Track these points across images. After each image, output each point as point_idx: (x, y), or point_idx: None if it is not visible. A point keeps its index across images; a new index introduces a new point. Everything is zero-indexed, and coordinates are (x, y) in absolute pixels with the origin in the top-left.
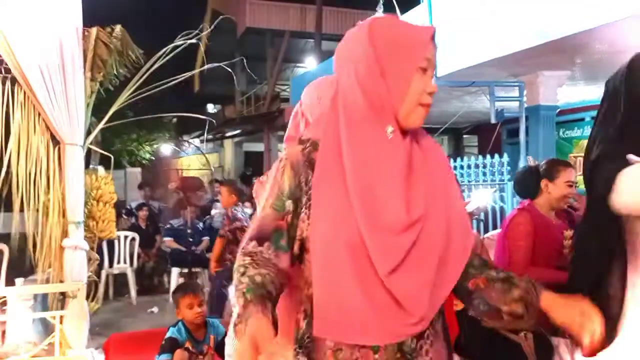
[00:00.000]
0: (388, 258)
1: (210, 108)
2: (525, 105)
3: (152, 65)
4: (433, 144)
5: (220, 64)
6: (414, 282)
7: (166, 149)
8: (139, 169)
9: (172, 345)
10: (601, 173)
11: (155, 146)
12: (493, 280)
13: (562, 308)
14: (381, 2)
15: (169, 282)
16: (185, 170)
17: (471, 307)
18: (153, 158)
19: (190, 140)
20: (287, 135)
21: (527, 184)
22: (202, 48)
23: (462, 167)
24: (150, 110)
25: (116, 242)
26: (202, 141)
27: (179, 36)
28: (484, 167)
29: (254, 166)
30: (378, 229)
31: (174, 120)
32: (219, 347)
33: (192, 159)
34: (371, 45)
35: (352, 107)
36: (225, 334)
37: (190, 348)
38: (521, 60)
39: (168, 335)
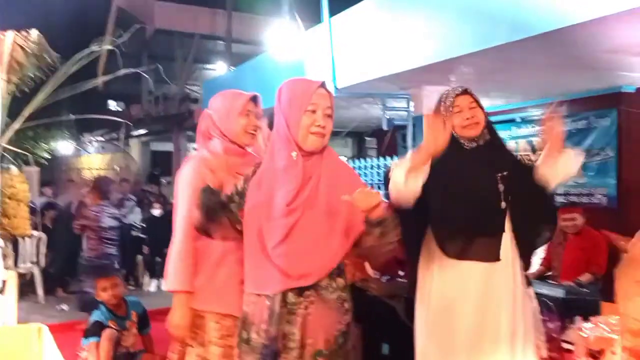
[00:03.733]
0: (272, 237)
1: (113, 105)
2: (413, 114)
3: (68, 70)
4: (338, 158)
5: (137, 69)
6: (294, 252)
7: (65, 147)
8: (36, 168)
9: (98, 328)
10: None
11: (53, 144)
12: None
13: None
14: (288, 11)
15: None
16: (87, 169)
17: (371, 263)
18: (50, 157)
19: (93, 139)
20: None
21: (387, 182)
22: (117, 53)
23: (365, 168)
24: (49, 106)
25: (21, 241)
26: (106, 140)
27: (93, 41)
28: (379, 167)
29: (162, 166)
30: (269, 217)
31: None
32: (142, 322)
33: (95, 157)
34: (278, 100)
35: (273, 139)
36: None
37: (114, 326)
38: (407, 76)
39: (92, 319)
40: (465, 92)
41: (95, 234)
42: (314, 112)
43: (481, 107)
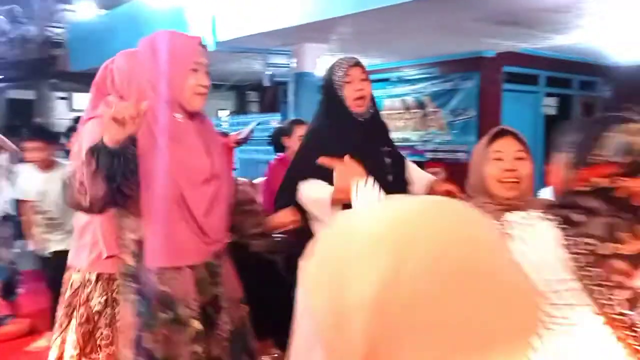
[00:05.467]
0: (199, 205)
1: None
2: (294, 71)
3: None
4: (209, 121)
5: None
6: (215, 218)
7: None
8: None
9: None
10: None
11: None
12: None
13: None
14: None
15: None
16: None
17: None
18: None
19: None
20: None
21: (275, 140)
22: None
23: (248, 123)
24: None
25: None
26: None
27: None
28: (262, 123)
29: (22, 116)
30: (190, 184)
31: None
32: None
33: None
34: (152, 55)
35: (153, 103)
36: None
37: None
38: (288, 33)
39: None
40: (357, 64)
41: None
42: (196, 70)
43: (369, 81)
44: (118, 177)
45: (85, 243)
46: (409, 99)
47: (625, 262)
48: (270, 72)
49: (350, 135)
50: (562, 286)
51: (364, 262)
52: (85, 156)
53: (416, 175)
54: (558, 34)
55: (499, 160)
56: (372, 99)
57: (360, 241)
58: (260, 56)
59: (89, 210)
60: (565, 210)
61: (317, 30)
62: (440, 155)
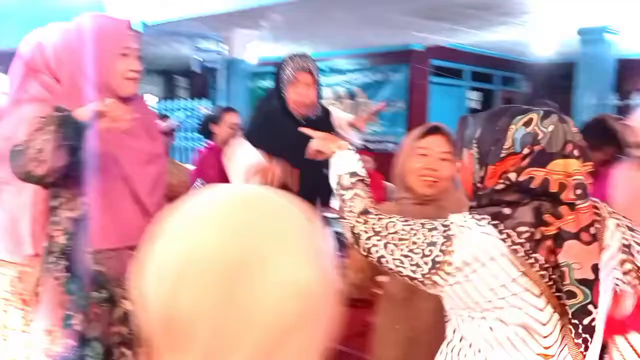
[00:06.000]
0: (144, 185)
1: None
2: (224, 57)
3: None
4: (145, 104)
5: None
6: (158, 200)
7: None
8: None
9: None
10: None
11: None
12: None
13: None
14: None
15: None
16: None
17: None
18: None
19: None
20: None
21: (204, 128)
22: None
23: (177, 110)
24: None
25: None
26: None
27: None
28: (191, 109)
29: None
30: (135, 163)
31: None
32: None
33: None
34: (78, 38)
35: (84, 87)
36: None
37: None
38: (219, 19)
39: None
40: (308, 70)
41: None
42: (126, 55)
43: (318, 87)
44: (79, 151)
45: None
46: (340, 89)
47: (552, 242)
48: (200, 58)
49: (287, 135)
50: (512, 287)
51: (160, 255)
52: (48, 124)
53: None
54: (482, 31)
55: (424, 157)
56: (320, 102)
57: (163, 231)
58: (190, 41)
59: (40, 180)
60: (492, 208)
61: (248, 17)
62: (370, 145)
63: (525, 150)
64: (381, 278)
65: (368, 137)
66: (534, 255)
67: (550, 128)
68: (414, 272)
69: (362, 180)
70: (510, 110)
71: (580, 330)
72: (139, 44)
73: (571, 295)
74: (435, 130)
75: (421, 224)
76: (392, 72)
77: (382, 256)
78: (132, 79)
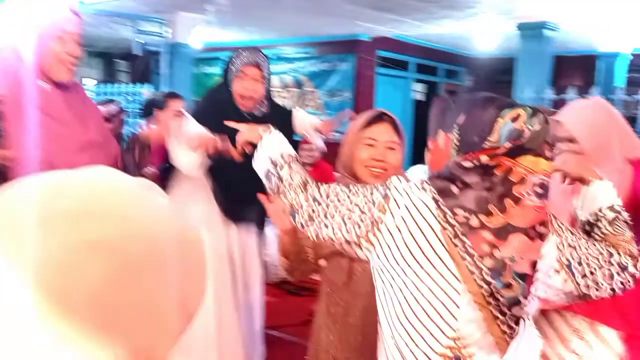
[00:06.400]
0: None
1: None
2: (167, 41)
3: None
4: (83, 90)
5: None
6: None
7: None
8: None
9: None
10: None
11: None
12: None
13: None
14: None
15: None
16: None
17: None
18: None
19: None
20: None
21: (147, 112)
22: None
23: (112, 94)
24: None
25: None
26: None
27: None
28: (132, 94)
29: None
30: (62, 152)
31: None
32: None
33: None
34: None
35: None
36: None
37: None
38: (162, 1)
39: None
40: (255, 64)
41: None
42: (62, 38)
43: (266, 83)
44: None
45: None
46: (287, 78)
47: (492, 234)
48: (142, 41)
49: (229, 128)
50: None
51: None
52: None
53: None
54: (427, 23)
55: (370, 147)
56: (269, 99)
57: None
58: (131, 22)
59: None
60: (444, 182)
61: (193, 0)
62: None
63: (507, 144)
64: (321, 262)
65: None
66: (463, 238)
67: (537, 127)
68: (353, 232)
69: (295, 159)
70: (496, 101)
71: (507, 319)
72: (79, 28)
73: (508, 287)
74: (381, 118)
75: (363, 187)
76: (339, 62)
77: (323, 223)
78: (66, 63)
